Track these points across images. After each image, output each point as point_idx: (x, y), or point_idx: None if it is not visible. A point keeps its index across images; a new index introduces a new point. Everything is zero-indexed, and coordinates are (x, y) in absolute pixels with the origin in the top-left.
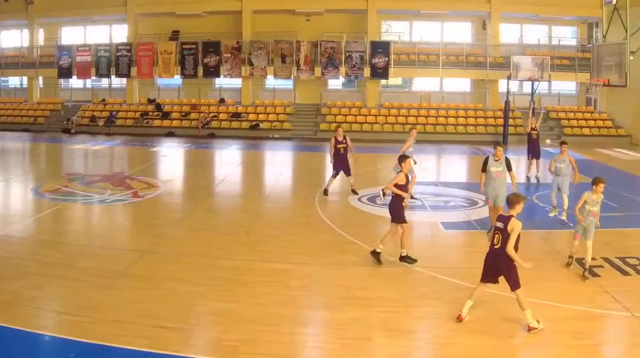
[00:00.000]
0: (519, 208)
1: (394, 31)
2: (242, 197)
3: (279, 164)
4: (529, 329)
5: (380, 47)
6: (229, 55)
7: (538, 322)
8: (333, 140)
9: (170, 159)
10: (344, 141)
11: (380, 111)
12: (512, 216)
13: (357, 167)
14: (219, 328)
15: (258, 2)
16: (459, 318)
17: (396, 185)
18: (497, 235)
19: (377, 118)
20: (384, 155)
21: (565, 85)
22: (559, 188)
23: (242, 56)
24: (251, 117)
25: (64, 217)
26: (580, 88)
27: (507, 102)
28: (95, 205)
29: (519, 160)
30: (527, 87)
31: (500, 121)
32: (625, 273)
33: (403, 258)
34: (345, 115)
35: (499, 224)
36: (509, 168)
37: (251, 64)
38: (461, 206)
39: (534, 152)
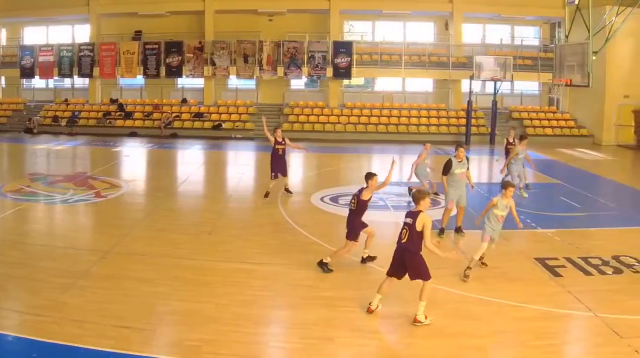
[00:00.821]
0: (424, 204)
1: (356, 31)
2: (205, 197)
3: (242, 164)
4: (415, 321)
5: (343, 47)
6: (192, 55)
7: (426, 317)
8: (273, 140)
9: (133, 159)
10: (283, 142)
11: (343, 111)
12: (421, 211)
13: (320, 166)
14: (182, 328)
15: (220, 2)
16: (369, 311)
17: (362, 201)
18: (404, 231)
19: (340, 118)
20: (346, 155)
21: (528, 85)
22: (518, 176)
23: (205, 56)
24: (213, 117)
25: (27, 217)
26: (542, 88)
27: (469, 102)
28: (57, 205)
29: (481, 160)
30: (489, 87)
31: (463, 121)
32: (587, 273)
33: (365, 260)
34: (308, 115)
35: (408, 220)
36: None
37: (213, 64)
38: None
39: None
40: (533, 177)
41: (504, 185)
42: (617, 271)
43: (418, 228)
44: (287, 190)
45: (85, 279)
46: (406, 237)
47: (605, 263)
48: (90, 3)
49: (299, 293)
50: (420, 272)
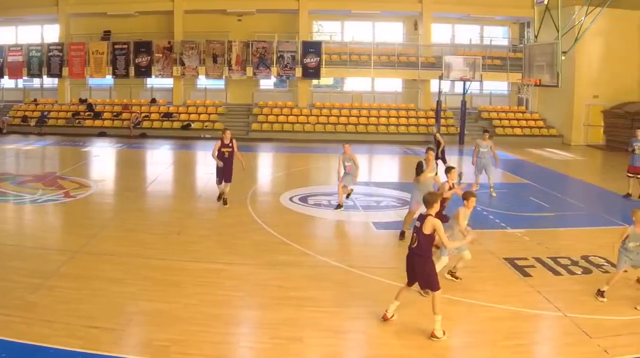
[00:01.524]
0: (436, 206)
1: (325, 31)
2: (174, 197)
3: (211, 164)
4: (432, 335)
5: (312, 47)
6: (161, 55)
7: (444, 333)
8: (219, 142)
9: (102, 159)
10: (230, 144)
11: (312, 111)
12: (430, 215)
13: (289, 166)
14: (151, 328)
15: (189, 2)
16: (384, 318)
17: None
18: (414, 235)
19: (309, 118)
20: (315, 155)
21: (497, 85)
22: (485, 171)
23: (174, 56)
24: (183, 117)
25: None
26: (511, 88)
27: (439, 102)
28: (26, 205)
29: (450, 160)
30: (458, 87)
31: (432, 121)
32: (557, 273)
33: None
34: (277, 115)
35: (417, 223)
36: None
37: (183, 64)
38: (393, 206)
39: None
40: (502, 177)
41: (465, 196)
42: (587, 271)
43: (426, 231)
44: (222, 199)
45: (55, 279)
46: (415, 241)
47: (575, 263)
48: (59, 3)
49: (268, 293)
50: (429, 281)
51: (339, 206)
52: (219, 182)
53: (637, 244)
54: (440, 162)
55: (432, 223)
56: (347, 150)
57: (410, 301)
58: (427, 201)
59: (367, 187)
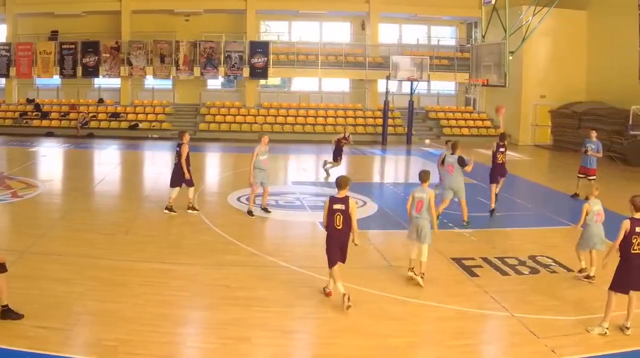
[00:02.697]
0: (347, 189)
1: (273, 31)
2: (122, 197)
3: (159, 164)
4: (328, 293)
5: (260, 47)
6: (108, 55)
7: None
8: (187, 146)
9: (50, 159)
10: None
11: (259, 111)
12: (348, 196)
13: (236, 166)
14: (99, 328)
15: (137, 2)
16: (329, 294)
17: None
18: (339, 216)
19: (256, 118)
20: None
21: (445, 85)
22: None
23: (121, 56)
24: (130, 117)
25: None
26: (459, 88)
27: (386, 102)
28: None
29: (397, 160)
30: (406, 87)
31: (380, 121)
32: (504, 273)
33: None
34: (224, 115)
35: (340, 206)
36: None
37: (130, 64)
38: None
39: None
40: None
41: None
42: (534, 271)
43: (351, 212)
44: (169, 208)
45: None
46: (342, 223)
47: (522, 263)
48: (6, 3)
49: (216, 294)
50: (345, 255)
51: (250, 213)
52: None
53: None
54: None
55: (352, 205)
56: (266, 141)
57: (356, 303)
58: (341, 184)
59: (315, 187)
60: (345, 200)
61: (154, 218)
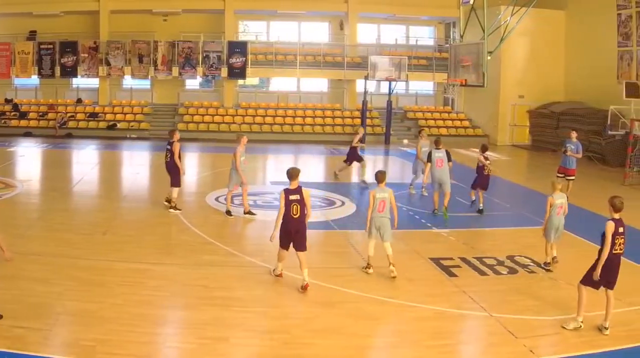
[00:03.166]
0: (298, 180)
1: (251, 31)
2: (100, 197)
3: (137, 164)
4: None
5: (238, 47)
6: (86, 55)
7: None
8: (178, 145)
9: (28, 159)
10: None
11: (238, 111)
12: (301, 186)
13: (214, 166)
14: (77, 328)
15: (115, 2)
16: (279, 275)
17: None
18: (295, 206)
19: (235, 118)
20: None
21: (423, 85)
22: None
23: (100, 56)
24: (108, 117)
25: None
26: (437, 88)
27: (364, 102)
28: None
29: (376, 160)
30: (384, 87)
31: (358, 121)
32: (482, 273)
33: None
34: (203, 115)
35: (296, 196)
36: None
37: (108, 64)
38: (318, 206)
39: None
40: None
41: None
42: (512, 271)
43: (307, 202)
44: (168, 201)
45: None
46: (299, 212)
47: (500, 263)
48: None
49: (194, 294)
50: (305, 243)
51: (228, 212)
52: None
53: None
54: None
55: (308, 193)
56: (244, 142)
57: (334, 303)
58: (292, 175)
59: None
60: (299, 191)
61: (132, 218)
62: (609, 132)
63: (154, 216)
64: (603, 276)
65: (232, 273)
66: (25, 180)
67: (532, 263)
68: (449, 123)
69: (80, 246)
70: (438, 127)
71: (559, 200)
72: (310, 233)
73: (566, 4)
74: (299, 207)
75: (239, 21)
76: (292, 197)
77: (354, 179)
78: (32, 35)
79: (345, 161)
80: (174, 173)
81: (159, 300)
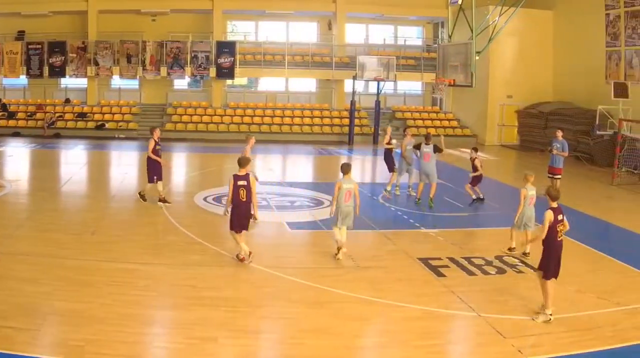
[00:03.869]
0: (248, 167)
1: (239, 31)
2: (88, 197)
3: (125, 164)
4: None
5: (226, 47)
6: (75, 55)
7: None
8: (153, 142)
9: (16, 159)
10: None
11: (226, 111)
12: (249, 173)
13: (203, 166)
14: (65, 328)
15: (103, 2)
16: (242, 260)
17: None
18: (243, 191)
19: (223, 118)
20: (229, 155)
21: (411, 85)
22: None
23: (88, 56)
24: (97, 117)
25: None
26: (426, 88)
27: (352, 102)
28: None
29: (365, 160)
30: (372, 87)
31: (346, 121)
32: (471, 273)
33: None
34: (191, 115)
35: (244, 182)
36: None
37: (97, 63)
38: (307, 206)
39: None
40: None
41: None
42: (501, 271)
43: (253, 186)
44: (163, 200)
45: None
46: (246, 196)
47: (489, 263)
48: None
49: (182, 293)
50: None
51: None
52: (156, 181)
53: None
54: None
55: (254, 180)
56: (253, 143)
57: (322, 303)
58: (242, 163)
59: (281, 187)
60: (246, 177)
61: (120, 218)
62: (597, 132)
63: (142, 216)
64: (557, 264)
65: (221, 273)
66: (13, 180)
67: (520, 263)
68: (437, 123)
69: (69, 246)
70: (426, 127)
71: (531, 191)
72: (299, 233)
73: (554, 4)
74: (245, 191)
75: (227, 21)
76: (240, 183)
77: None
78: (20, 35)
79: (390, 170)
80: (148, 169)
81: (147, 300)
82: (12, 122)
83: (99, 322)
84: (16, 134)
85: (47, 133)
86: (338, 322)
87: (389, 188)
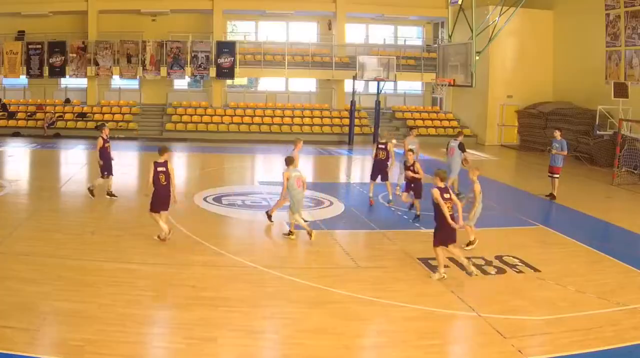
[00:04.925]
0: (167, 155)
1: (239, 31)
2: (88, 197)
3: (125, 164)
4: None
5: (226, 47)
6: (75, 55)
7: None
8: (101, 140)
9: (16, 159)
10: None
11: (226, 111)
12: (167, 161)
13: (203, 166)
14: (65, 328)
15: (104, 2)
16: (163, 239)
17: None
18: (162, 175)
19: (223, 118)
20: (229, 155)
21: (411, 85)
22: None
23: (88, 56)
24: (97, 117)
25: None
26: (426, 88)
27: (352, 102)
28: None
29: (364, 160)
30: (373, 87)
31: (346, 121)
32: (470, 273)
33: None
34: (191, 115)
35: (162, 168)
36: None
37: (97, 64)
38: (306, 206)
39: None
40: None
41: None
42: (500, 271)
43: (170, 173)
44: (110, 193)
45: None
46: (166, 180)
47: (489, 263)
48: None
49: (182, 293)
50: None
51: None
52: (107, 176)
53: None
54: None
55: (172, 166)
56: (300, 147)
57: (322, 303)
58: (162, 151)
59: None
60: (165, 164)
61: (120, 218)
62: (598, 132)
63: (141, 216)
64: (446, 236)
65: (220, 273)
66: (13, 180)
67: (520, 263)
68: (437, 123)
69: (69, 246)
70: (426, 127)
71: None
72: (299, 234)
73: (554, 4)
74: (164, 176)
75: (227, 21)
76: (159, 169)
77: (342, 179)
78: (20, 35)
79: (383, 180)
80: (100, 166)
81: (147, 300)
82: (12, 122)
83: (99, 322)
84: (16, 134)
85: (47, 133)
86: (338, 322)
87: (391, 196)
